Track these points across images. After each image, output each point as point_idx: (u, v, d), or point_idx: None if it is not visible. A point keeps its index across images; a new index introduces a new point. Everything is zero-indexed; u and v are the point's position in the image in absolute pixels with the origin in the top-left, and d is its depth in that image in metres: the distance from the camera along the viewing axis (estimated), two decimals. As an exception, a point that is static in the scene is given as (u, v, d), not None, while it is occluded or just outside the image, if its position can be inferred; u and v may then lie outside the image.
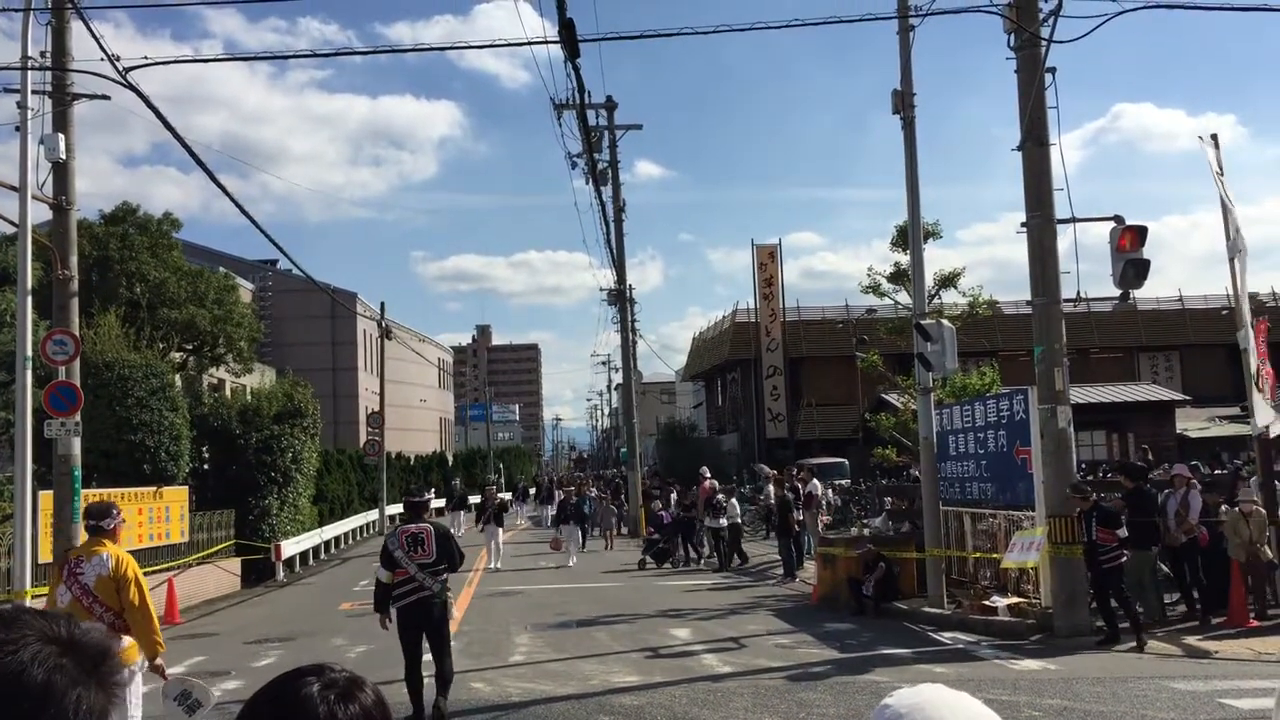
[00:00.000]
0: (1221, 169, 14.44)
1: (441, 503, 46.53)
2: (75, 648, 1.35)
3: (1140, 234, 13.26)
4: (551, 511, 42.71)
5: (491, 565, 22.39)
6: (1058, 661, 11.32)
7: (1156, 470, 22.21)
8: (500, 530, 23.34)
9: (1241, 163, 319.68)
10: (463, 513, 38.97)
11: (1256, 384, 14.10)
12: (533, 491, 52.68)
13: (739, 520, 22.86)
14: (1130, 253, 13.14)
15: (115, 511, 7.66)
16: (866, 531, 16.68)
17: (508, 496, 36.53)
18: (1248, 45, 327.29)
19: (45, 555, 14.52)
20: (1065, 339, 13.59)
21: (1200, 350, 43.30)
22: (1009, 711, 9.02)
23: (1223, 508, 14.31)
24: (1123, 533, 12.51)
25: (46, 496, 14.65)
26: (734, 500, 23.21)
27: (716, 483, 25.46)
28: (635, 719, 9.13)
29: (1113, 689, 9.82)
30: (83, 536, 15.21)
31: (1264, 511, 13.32)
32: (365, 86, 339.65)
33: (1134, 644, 11.95)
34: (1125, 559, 12.63)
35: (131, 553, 8.20)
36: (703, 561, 23.71)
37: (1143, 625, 12.39)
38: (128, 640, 7.22)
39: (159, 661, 7.40)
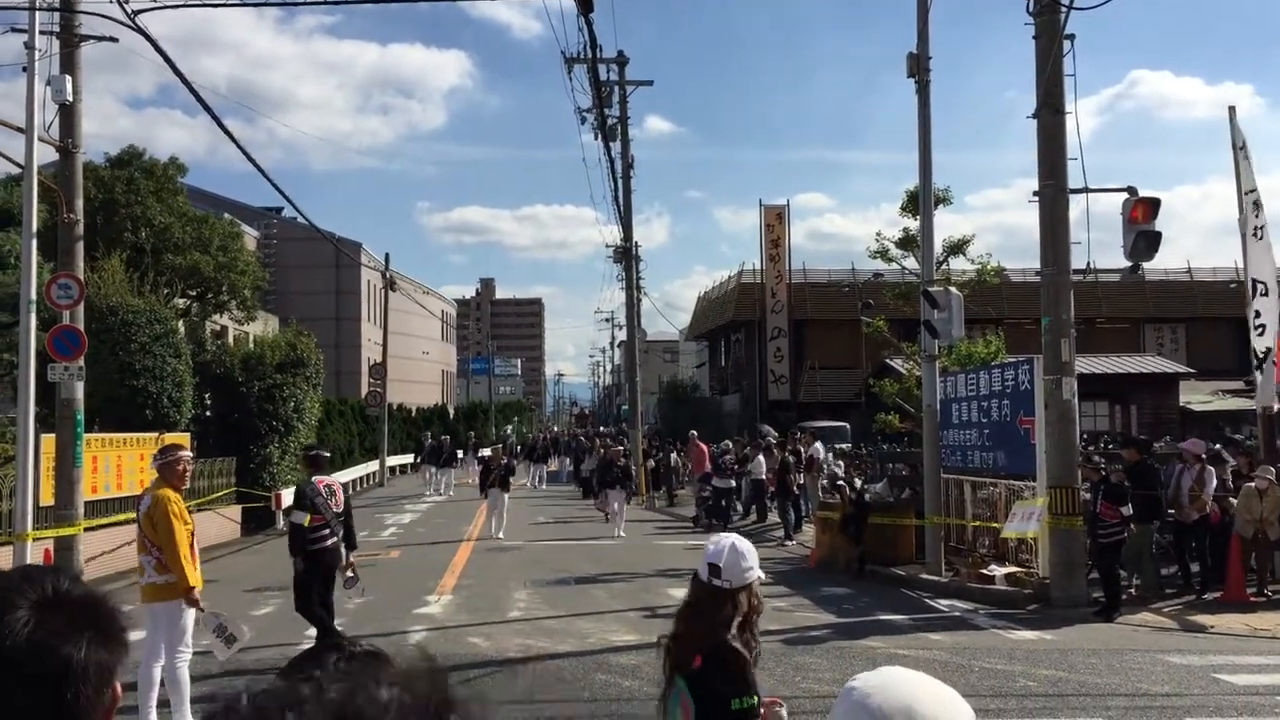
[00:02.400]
0: (1241, 143, 14.32)
1: (409, 458, 45.21)
2: (61, 605, 1.29)
3: (1153, 206, 13.15)
4: (545, 471, 42.01)
5: (494, 533, 20.67)
6: (1054, 632, 11.36)
7: (1158, 443, 22.21)
8: (506, 495, 21.68)
9: (1258, 133, 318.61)
10: (452, 471, 34.35)
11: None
12: (519, 449, 50.95)
13: (764, 477, 22.77)
14: (1142, 225, 13.04)
15: (165, 453, 8.15)
16: (867, 496, 16.63)
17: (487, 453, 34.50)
18: (1269, 15, 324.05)
19: (46, 498, 14.54)
20: (1073, 310, 13.52)
21: (1207, 323, 43.05)
22: (1004, 681, 9.06)
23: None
24: (1127, 511, 12.50)
25: (49, 440, 14.67)
26: (761, 457, 23.02)
27: (729, 442, 25.36)
28: (632, 678, 9.16)
29: (1108, 661, 9.86)
30: (87, 480, 15.39)
31: (1280, 489, 13.27)
32: (375, 33, 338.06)
33: (1114, 614, 12.15)
34: (1126, 537, 12.66)
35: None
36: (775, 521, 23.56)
37: (1123, 600, 12.60)
38: (169, 576, 7.66)
39: (193, 595, 7.81)
